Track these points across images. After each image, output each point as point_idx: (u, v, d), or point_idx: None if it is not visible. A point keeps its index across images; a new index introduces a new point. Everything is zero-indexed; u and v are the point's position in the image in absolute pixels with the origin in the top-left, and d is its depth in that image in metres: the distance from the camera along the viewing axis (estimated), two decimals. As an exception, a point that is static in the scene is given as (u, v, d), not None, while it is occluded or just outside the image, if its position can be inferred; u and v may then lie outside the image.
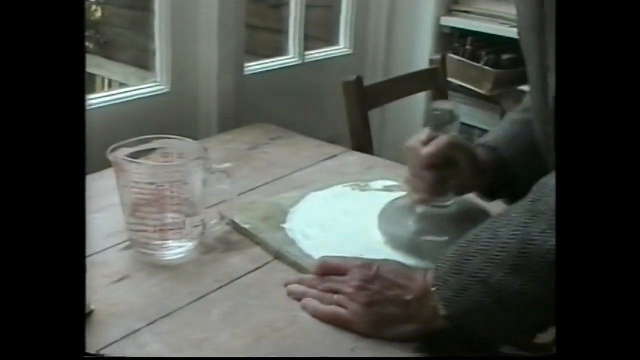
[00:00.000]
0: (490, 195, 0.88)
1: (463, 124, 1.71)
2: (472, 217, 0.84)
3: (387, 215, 0.86)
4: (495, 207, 0.88)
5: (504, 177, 0.85)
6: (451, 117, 0.82)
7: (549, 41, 0.70)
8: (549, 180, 0.64)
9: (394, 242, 0.81)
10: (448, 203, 0.83)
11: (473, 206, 0.88)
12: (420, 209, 0.83)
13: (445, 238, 0.79)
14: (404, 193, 0.88)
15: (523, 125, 0.88)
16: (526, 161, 0.85)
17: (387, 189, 0.98)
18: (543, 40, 0.71)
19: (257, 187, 1.00)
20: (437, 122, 0.81)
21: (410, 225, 0.82)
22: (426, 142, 0.80)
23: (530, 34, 0.74)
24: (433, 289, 0.65)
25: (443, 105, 0.84)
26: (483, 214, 0.86)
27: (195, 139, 0.85)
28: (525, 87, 1.08)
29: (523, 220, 0.61)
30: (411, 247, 0.80)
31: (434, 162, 0.79)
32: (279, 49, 1.67)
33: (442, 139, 0.79)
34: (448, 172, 0.80)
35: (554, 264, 0.51)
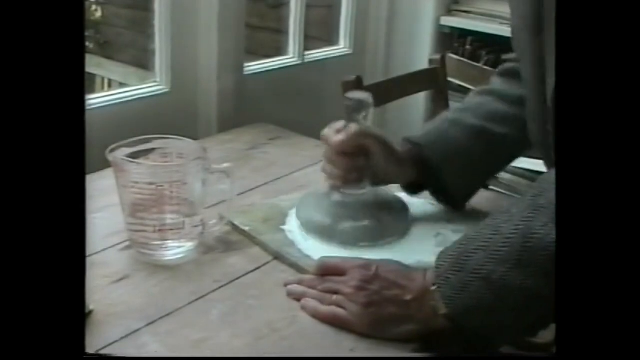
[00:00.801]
0: (411, 189, 0.90)
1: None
2: (387, 204, 0.88)
3: (304, 202, 0.89)
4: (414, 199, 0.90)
5: (426, 174, 0.87)
6: (363, 106, 0.84)
7: (546, 41, 0.70)
8: (550, 176, 0.64)
9: (307, 227, 0.84)
10: (362, 191, 0.86)
11: (388, 194, 0.90)
12: (335, 196, 0.86)
13: (359, 224, 0.82)
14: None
15: (453, 125, 0.90)
16: (450, 161, 0.87)
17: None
18: (541, 40, 0.71)
19: (256, 187, 1.00)
20: (350, 112, 0.84)
21: (324, 211, 0.85)
22: (340, 131, 0.83)
23: (527, 33, 0.74)
24: (434, 287, 0.65)
25: (355, 95, 0.86)
26: (399, 202, 0.89)
27: (195, 139, 0.85)
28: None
29: (525, 216, 0.61)
30: (324, 232, 0.82)
31: (344, 150, 0.82)
32: (279, 49, 1.67)
33: (351, 128, 0.83)
34: (360, 160, 0.83)
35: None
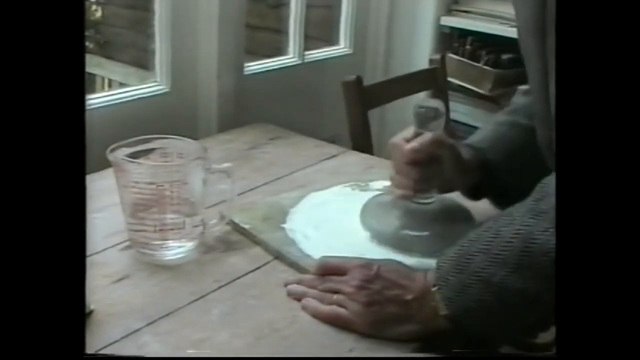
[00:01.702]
0: (473, 195, 0.88)
1: (463, 123, 1.72)
2: (454, 214, 0.86)
3: (370, 211, 0.87)
4: (477, 206, 0.88)
5: (488, 178, 0.85)
6: (436, 114, 0.82)
7: (550, 44, 0.70)
8: (552, 180, 0.64)
9: (379, 237, 0.82)
10: (430, 200, 0.84)
11: (454, 204, 0.88)
12: (402, 205, 0.84)
13: (428, 233, 0.81)
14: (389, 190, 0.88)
15: (509, 127, 0.88)
16: (511, 163, 0.85)
17: (387, 189, 0.98)
18: (545, 44, 0.71)
19: (257, 187, 1.00)
20: (422, 120, 0.82)
21: (393, 220, 0.83)
22: (410, 139, 0.80)
23: (531, 37, 0.73)
24: (434, 288, 0.65)
25: (428, 103, 0.84)
26: (464, 212, 0.87)
27: (195, 139, 0.85)
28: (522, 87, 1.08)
29: (526, 220, 0.61)
30: (395, 242, 0.80)
31: (417, 159, 0.80)
32: (279, 49, 1.67)
33: (426, 136, 0.80)
34: (431, 169, 0.81)
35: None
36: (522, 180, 0.85)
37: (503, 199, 0.86)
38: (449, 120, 1.55)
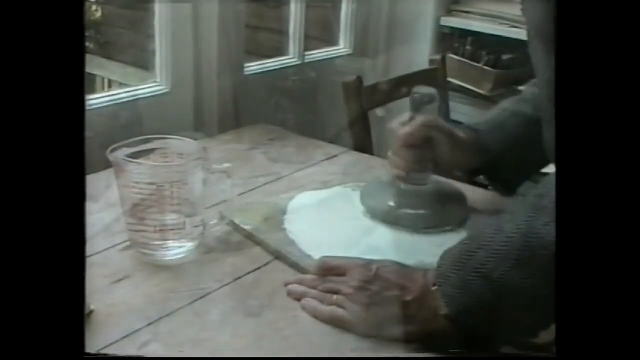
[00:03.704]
0: (469, 175, 0.94)
1: (462, 123, 1.72)
2: (447, 196, 0.91)
3: (368, 189, 0.93)
4: (472, 190, 0.94)
5: (483, 159, 0.90)
6: (430, 99, 0.87)
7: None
8: (554, 177, 0.64)
9: (372, 212, 0.88)
10: (424, 182, 0.89)
11: (449, 187, 0.94)
12: (397, 185, 0.90)
13: (422, 211, 0.87)
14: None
15: (511, 114, 0.93)
16: (508, 148, 0.89)
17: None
18: (549, 46, 0.71)
19: (257, 187, 1.00)
20: (417, 105, 0.88)
21: (387, 198, 0.89)
22: (405, 123, 0.86)
23: (538, 41, 0.74)
24: (434, 287, 0.65)
25: (423, 89, 0.89)
26: (458, 195, 0.92)
27: (195, 139, 0.85)
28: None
29: (527, 215, 0.62)
30: (386, 216, 0.86)
31: (410, 141, 0.86)
32: (279, 49, 1.67)
33: (418, 120, 0.86)
34: (424, 151, 0.86)
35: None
36: (517, 168, 0.92)
37: (496, 181, 0.93)
38: (448, 116, 1.56)
